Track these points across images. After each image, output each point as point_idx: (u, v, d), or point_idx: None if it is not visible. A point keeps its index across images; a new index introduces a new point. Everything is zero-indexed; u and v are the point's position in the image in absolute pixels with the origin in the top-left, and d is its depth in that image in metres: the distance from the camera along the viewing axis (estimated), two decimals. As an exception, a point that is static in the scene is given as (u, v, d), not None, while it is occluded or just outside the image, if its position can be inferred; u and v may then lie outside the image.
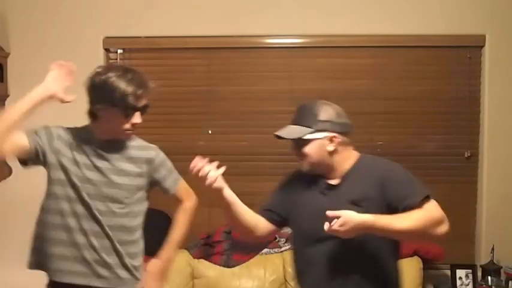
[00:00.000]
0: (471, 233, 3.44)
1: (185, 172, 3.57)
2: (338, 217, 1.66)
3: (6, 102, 3.43)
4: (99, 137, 2.02)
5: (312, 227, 1.86)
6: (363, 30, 3.39)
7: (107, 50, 3.48)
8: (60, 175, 2.02)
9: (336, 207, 1.73)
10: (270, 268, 3.25)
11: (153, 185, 2.16)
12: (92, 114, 2.01)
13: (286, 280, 3.25)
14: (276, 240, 3.38)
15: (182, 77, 3.51)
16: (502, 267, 3.24)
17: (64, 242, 2.01)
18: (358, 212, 1.71)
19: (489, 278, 3.20)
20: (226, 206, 1.98)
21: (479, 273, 3.30)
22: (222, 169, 1.89)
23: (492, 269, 3.21)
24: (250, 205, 3.68)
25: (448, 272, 3.31)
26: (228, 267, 3.25)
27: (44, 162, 2.03)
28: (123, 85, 1.92)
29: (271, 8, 3.41)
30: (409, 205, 1.75)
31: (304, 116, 1.93)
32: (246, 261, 3.28)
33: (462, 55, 3.42)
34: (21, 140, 1.97)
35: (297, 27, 3.42)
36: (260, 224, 2.04)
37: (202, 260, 3.30)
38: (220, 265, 3.27)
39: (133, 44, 3.49)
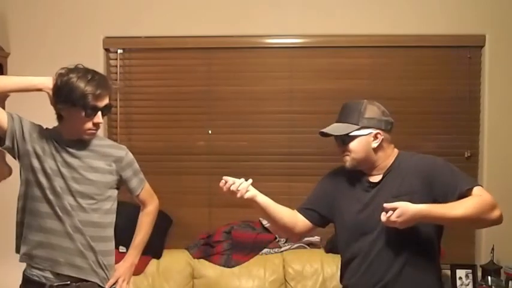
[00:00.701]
0: (471, 233, 3.43)
1: (187, 172, 3.61)
2: (394, 208, 1.73)
3: (6, 103, 3.43)
4: (67, 137, 2.07)
5: (357, 223, 1.95)
6: (362, 30, 3.39)
7: (107, 50, 3.48)
8: (35, 163, 2.05)
9: (381, 203, 1.81)
10: (270, 268, 3.25)
11: (120, 184, 2.21)
12: (58, 115, 2.06)
13: (286, 280, 3.25)
14: (276, 240, 3.38)
15: (182, 77, 3.51)
16: (502, 267, 3.24)
17: (41, 228, 2.09)
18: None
19: (489, 278, 3.19)
20: (263, 211, 2.07)
21: (479, 273, 3.29)
22: (250, 180, 1.98)
23: (492, 269, 3.21)
24: (249, 205, 3.70)
25: (448, 272, 3.31)
26: (228, 267, 3.25)
27: (17, 147, 2.06)
28: (82, 85, 1.97)
29: (271, 8, 3.41)
30: (461, 194, 1.83)
31: (349, 113, 1.98)
32: (246, 261, 3.28)
33: (462, 55, 3.42)
34: (1, 114, 2.07)
35: (297, 27, 3.42)
36: (299, 222, 2.12)
37: (202, 260, 3.30)
38: (220, 265, 3.27)
39: (133, 44, 3.49)
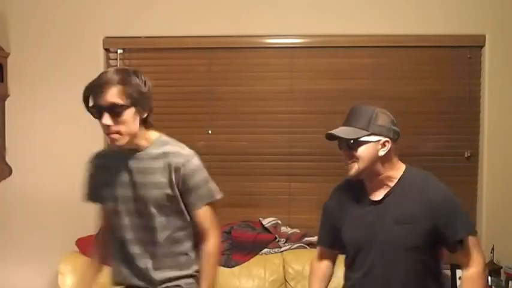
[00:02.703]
0: (471, 233, 3.44)
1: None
2: None
3: (6, 103, 3.43)
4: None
5: (354, 240, 1.99)
6: (363, 30, 3.39)
7: (107, 50, 3.48)
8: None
9: (382, 225, 1.87)
10: (270, 268, 3.25)
11: None
12: None
13: (286, 280, 3.25)
14: (276, 240, 3.38)
15: (182, 77, 3.51)
16: (502, 267, 3.24)
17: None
18: (403, 231, 1.87)
19: (489, 278, 3.19)
20: None
21: (479, 273, 3.29)
22: None
23: (492, 269, 3.21)
24: (249, 205, 3.69)
25: (448, 272, 3.30)
26: (228, 267, 3.25)
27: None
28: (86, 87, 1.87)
29: (271, 8, 3.41)
30: (458, 240, 1.90)
31: (359, 118, 1.93)
32: (246, 261, 3.28)
33: (462, 55, 3.42)
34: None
35: (297, 27, 3.42)
36: (330, 264, 2.21)
37: (202, 260, 3.29)
38: (220, 265, 3.26)
39: (133, 44, 3.49)
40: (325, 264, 2.19)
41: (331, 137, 1.95)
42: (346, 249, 2.08)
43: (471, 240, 1.91)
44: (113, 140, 1.87)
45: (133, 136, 1.90)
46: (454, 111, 3.44)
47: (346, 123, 1.96)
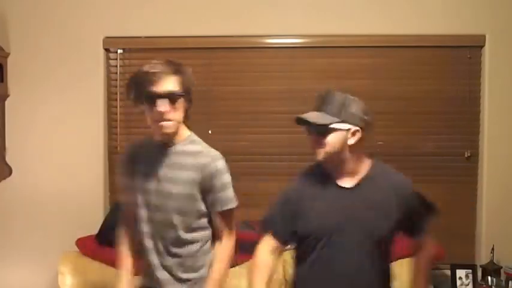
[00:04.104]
0: (471, 233, 3.43)
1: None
2: None
3: (6, 103, 3.43)
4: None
5: (324, 225, 1.90)
6: (363, 30, 3.39)
7: (107, 50, 3.48)
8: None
9: (354, 210, 1.84)
10: (270, 268, 3.25)
11: None
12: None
13: (286, 280, 3.25)
14: (276, 240, 3.38)
15: (182, 77, 3.51)
16: (502, 267, 3.24)
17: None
18: (375, 219, 1.85)
19: (489, 278, 3.20)
20: None
21: (479, 273, 3.29)
22: None
23: (492, 269, 3.21)
24: (249, 205, 3.70)
25: (448, 272, 3.31)
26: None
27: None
28: (135, 76, 1.95)
29: (271, 8, 3.41)
30: (422, 222, 1.97)
31: (331, 104, 1.87)
32: (246, 261, 3.28)
33: (462, 55, 3.42)
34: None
35: (297, 27, 3.42)
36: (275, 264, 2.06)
37: (202, 260, 3.29)
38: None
39: (133, 44, 3.49)
40: (273, 259, 2.03)
41: (300, 121, 1.90)
42: (301, 241, 1.97)
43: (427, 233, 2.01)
44: (163, 128, 1.90)
45: (178, 127, 1.96)
46: (454, 111, 3.44)
47: (318, 108, 1.89)
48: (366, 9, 3.39)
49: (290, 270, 3.21)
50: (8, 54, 3.39)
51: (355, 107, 1.87)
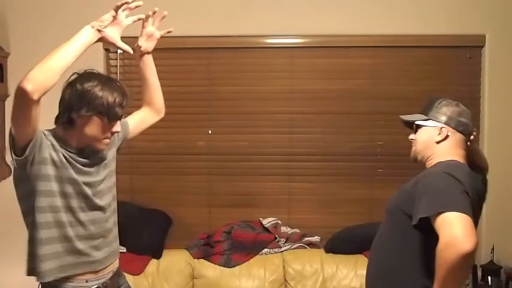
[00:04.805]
0: (471, 233, 3.43)
1: (187, 172, 3.60)
2: None
3: (6, 103, 3.43)
4: (75, 145, 1.97)
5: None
6: (363, 30, 3.39)
7: (107, 50, 3.48)
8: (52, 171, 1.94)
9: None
10: (270, 268, 3.25)
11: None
12: (69, 120, 1.93)
13: (286, 280, 3.25)
14: (276, 240, 3.38)
15: (182, 77, 3.51)
16: (502, 267, 3.24)
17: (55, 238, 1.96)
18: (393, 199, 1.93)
19: (489, 278, 3.20)
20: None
21: (479, 273, 3.29)
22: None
23: (492, 269, 3.21)
24: (249, 205, 3.69)
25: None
26: (228, 267, 3.25)
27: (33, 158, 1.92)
28: (109, 93, 1.94)
29: (271, 8, 3.41)
30: (418, 219, 1.69)
31: (428, 106, 2.00)
32: (246, 261, 3.28)
33: (462, 55, 3.42)
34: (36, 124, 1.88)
35: (297, 27, 3.42)
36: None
37: (202, 260, 3.30)
38: (220, 265, 3.26)
39: (133, 44, 3.47)
40: None
41: (402, 121, 2.08)
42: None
43: (439, 220, 1.63)
44: (106, 144, 2.00)
45: None
46: (454, 111, 3.44)
47: (421, 111, 2.04)
48: (366, 9, 3.39)
49: (290, 270, 3.23)
50: (8, 54, 3.39)
51: (448, 108, 1.95)
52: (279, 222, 3.47)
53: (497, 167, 3.38)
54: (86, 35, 2.00)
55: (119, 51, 3.49)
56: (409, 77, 3.45)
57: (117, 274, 2.13)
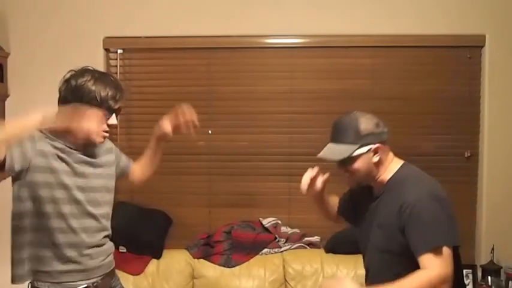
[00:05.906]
0: (471, 233, 3.43)
1: (187, 172, 3.60)
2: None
3: (6, 103, 3.43)
4: (73, 141, 1.99)
5: (357, 234, 2.07)
6: (362, 30, 3.39)
7: (107, 50, 3.48)
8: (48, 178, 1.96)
9: (371, 226, 1.93)
10: (270, 268, 3.25)
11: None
12: None
13: (286, 280, 3.25)
14: (276, 240, 3.38)
15: (182, 77, 3.51)
16: (502, 267, 3.24)
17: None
18: (379, 235, 1.89)
19: (489, 278, 3.19)
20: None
21: (479, 273, 3.29)
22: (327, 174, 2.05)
23: (492, 269, 3.21)
24: (249, 205, 3.69)
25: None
26: (228, 267, 3.25)
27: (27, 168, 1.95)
28: (102, 87, 1.97)
29: (271, 8, 3.40)
30: (416, 253, 1.77)
31: (343, 132, 1.90)
32: (246, 261, 3.28)
33: (462, 55, 3.42)
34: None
35: (297, 27, 3.42)
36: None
37: (202, 260, 3.30)
38: (220, 265, 3.26)
39: (133, 44, 3.49)
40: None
41: (335, 161, 1.93)
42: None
43: (429, 257, 1.74)
44: (103, 138, 2.05)
45: None
46: (454, 111, 3.44)
47: (333, 139, 1.93)
48: (366, 9, 3.39)
49: (290, 270, 3.23)
50: (8, 54, 3.39)
51: (366, 125, 1.89)
52: (279, 222, 3.47)
53: (497, 167, 3.39)
54: (31, 120, 1.91)
55: (119, 51, 3.50)
56: (409, 77, 3.45)
57: (109, 274, 2.12)
